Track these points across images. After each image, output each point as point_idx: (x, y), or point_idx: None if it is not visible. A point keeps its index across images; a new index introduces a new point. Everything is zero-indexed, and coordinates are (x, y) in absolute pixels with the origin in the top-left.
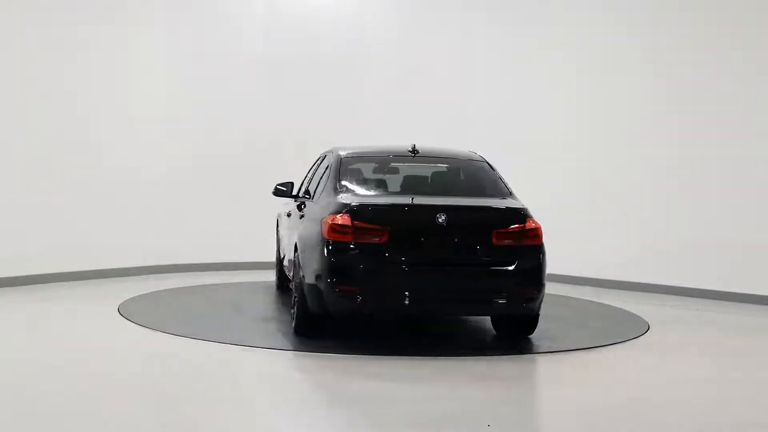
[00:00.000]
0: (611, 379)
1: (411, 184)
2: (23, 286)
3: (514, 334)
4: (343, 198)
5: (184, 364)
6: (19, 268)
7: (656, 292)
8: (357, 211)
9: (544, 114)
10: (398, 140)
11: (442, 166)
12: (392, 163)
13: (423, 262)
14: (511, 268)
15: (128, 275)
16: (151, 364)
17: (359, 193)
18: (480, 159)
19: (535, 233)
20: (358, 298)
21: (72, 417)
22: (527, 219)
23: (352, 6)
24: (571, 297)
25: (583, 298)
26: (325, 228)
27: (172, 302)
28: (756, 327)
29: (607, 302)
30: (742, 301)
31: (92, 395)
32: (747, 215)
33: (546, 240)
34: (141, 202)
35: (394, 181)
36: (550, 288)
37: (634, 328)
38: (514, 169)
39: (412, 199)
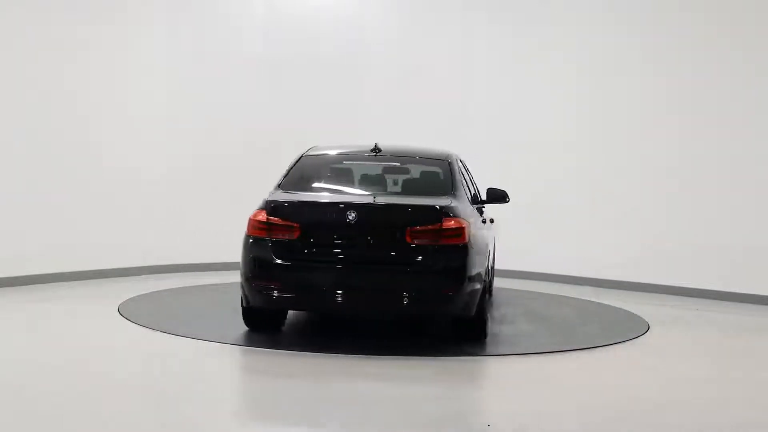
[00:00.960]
0: (611, 379)
1: (359, 183)
2: (23, 286)
3: (466, 339)
4: (272, 195)
5: (184, 364)
6: (19, 268)
7: (656, 292)
8: (273, 208)
9: (544, 114)
10: (397, 140)
11: (397, 165)
12: (352, 162)
13: (331, 260)
14: (424, 267)
15: (128, 275)
16: (151, 364)
17: (295, 191)
18: (443, 158)
19: (455, 232)
20: (273, 293)
21: (72, 417)
22: (445, 218)
23: (352, 6)
24: (571, 297)
25: (583, 298)
26: (248, 224)
27: (172, 302)
28: (756, 327)
29: (607, 302)
30: (742, 301)
31: (92, 395)
32: (747, 215)
33: (546, 240)
34: (141, 202)
35: (344, 180)
36: (550, 288)
37: (634, 328)
38: (514, 169)
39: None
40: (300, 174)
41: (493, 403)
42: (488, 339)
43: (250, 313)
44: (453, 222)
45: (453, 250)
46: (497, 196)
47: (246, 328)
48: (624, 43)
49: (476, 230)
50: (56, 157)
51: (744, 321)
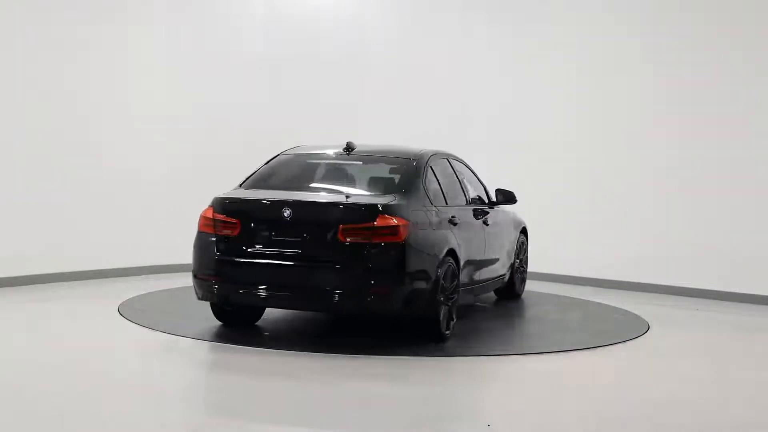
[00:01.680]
0: (611, 379)
1: (317, 181)
2: (23, 286)
3: (422, 339)
4: (225, 193)
5: (184, 365)
6: (19, 268)
7: (656, 292)
8: (219, 205)
9: (544, 114)
10: (397, 140)
11: (360, 164)
12: (320, 161)
13: (267, 256)
14: (354, 265)
15: (128, 275)
16: (151, 364)
17: (254, 188)
18: (411, 159)
19: (391, 231)
20: (214, 287)
21: (72, 417)
22: (380, 216)
23: (352, 6)
24: (571, 297)
25: (583, 298)
26: (198, 220)
27: (172, 302)
28: (756, 327)
29: (607, 302)
30: (742, 301)
31: (92, 395)
32: (747, 215)
33: (546, 240)
34: (141, 202)
35: (303, 178)
36: (550, 288)
37: (634, 328)
38: (514, 169)
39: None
40: (267, 172)
41: (493, 403)
42: (488, 339)
43: (216, 308)
44: (388, 220)
45: (387, 249)
46: (506, 198)
47: (246, 328)
48: (624, 43)
49: (424, 230)
50: (56, 157)
51: (744, 321)
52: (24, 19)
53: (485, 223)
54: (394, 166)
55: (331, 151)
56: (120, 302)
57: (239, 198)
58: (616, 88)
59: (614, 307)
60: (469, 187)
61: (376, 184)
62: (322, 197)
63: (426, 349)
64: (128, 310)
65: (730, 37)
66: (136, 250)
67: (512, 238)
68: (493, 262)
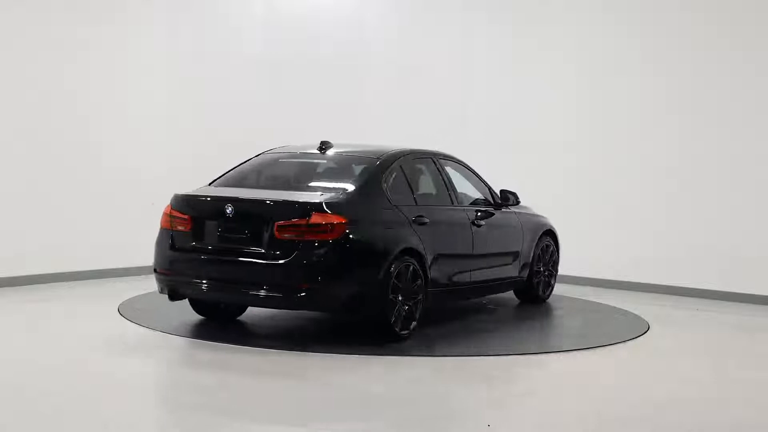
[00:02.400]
0: (611, 379)
1: (276, 179)
2: (23, 286)
3: (379, 340)
4: (190, 190)
5: (184, 365)
6: (19, 268)
7: (656, 292)
8: (175, 201)
9: (544, 114)
10: (396, 141)
11: (326, 163)
12: (290, 160)
13: (211, 251)
14: (285, 261)
15: (128, 275)
16: (151, 364)
17: (220, 186)
18: (376, 158)
19: (324, 228)
20: (167, 281)
21: (72, 417)
22: (315, 214)
23: (352, 6)
24: (571, 297)
25: (583, 298)
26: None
27: (172, 303)
28: (756, 327)
29: (607, 302)
30: (742, 301)
31: (92, 395)
32: (747, 215)
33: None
34: (141, 202)
35: (267, 177)
36: None
37: (634, 328)
38: (514, 170)
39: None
40: (238, 171)
41: (493, 403)
42: (488, 339)
43: (192, 302)
44: (323, 218)
45: (319, 246)
46: (504, 198)
47: (247, 327)
48: (624, 43)
49: (370, 228)
50: (56, 157)
51: (744, 321)
52: (24, 19)
53: (476, 224)
54: (357, 166)
55: (306, 151)
56: (120, 302)
57: (191, 195)
58: (616, 88)
59: (614, 307)
60: (469, 186)
61: (331, 182)
62: (264, 195)
63: (425, 350)
64: (128, 310)
65: (730, 37)
66: (136, 250)
67: (528, 240)
68: (493, 263)
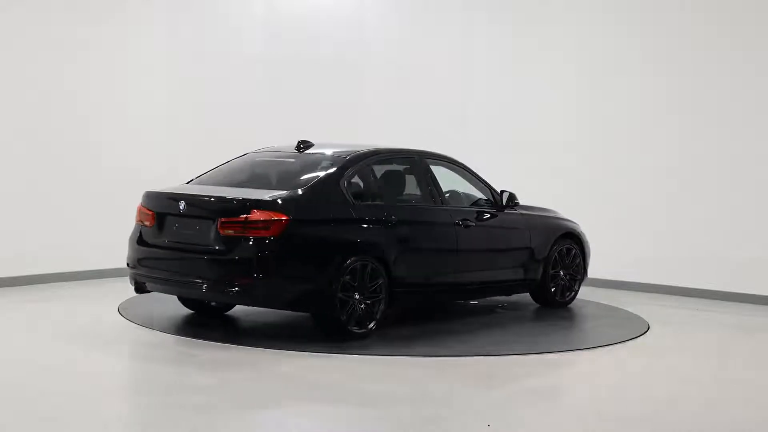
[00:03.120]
0: (611, 379)
1: (245, 178)
2: (23, 286)
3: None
4: (164, 187)
5: (184, 365)
6: (19, 268)
7: (656, 292)
8: (143, 198)
9: (544, 114)
10: (396, 141)
11: (294, 162)
12: (265, 159)
13: (167, 245)
14: (225, 256)
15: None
16: (151, 365)
17: (197, 184)
18: (343, 157)
19: (263, 225)
20: (136, 274)
21: (72, 417)
22: (254, 210)
23: (352, 6)
24: None
25: (584, 298)
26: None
27: (172, 302)
28: (756, 327)
29: (607, 302)
30: (742, 301)
31: (92, 395)
32: (747, 215)
33: None
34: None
35: (236, 175)
36: None
37: (634, 328)
38: (514, 170)
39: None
40: (217, 170)
41: (493, 402)
42: (489, 339)
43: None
44: (262, 215)
45: (257, 242)
46: (504, 199)
47: (248, 327)
48: (624, 43)
49: (318, 226)
50: (56, 157)
51: (744, 321)
52: (24, 19)
53: (462, 224)
54: (321, 165)
55: (284, 150)
56: (120, 302)
57: (155, 192)
58: (616, 88)
59: (614, 307)
60: (468, 187)
61: (290, 181)
62: (213, 192)
63: (426, 350)
64: (128, 310)
65: (730, 37)
66: None
67: (537, 242)
68: (485, 266)
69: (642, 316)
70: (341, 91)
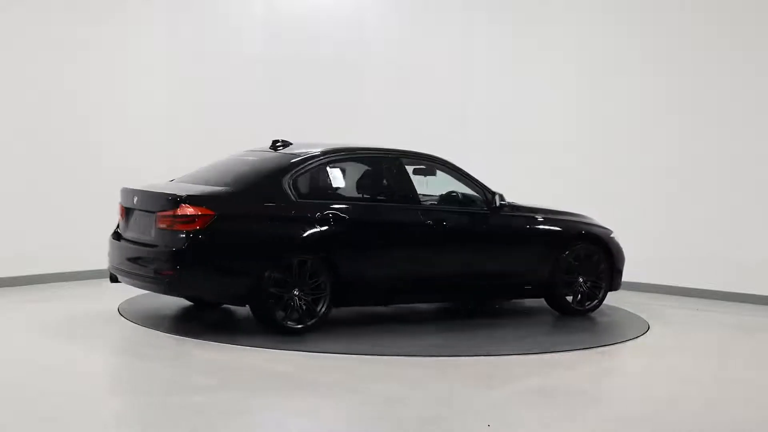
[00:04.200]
0: (611, 379)
1: (214, 176)
2: (23, 286)
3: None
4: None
5: (184, 365)
6: (19, 268)
7: (656, 292)
8: (121, 194)
9: (544, 114)
10: (396, 141)
11: (253, 161)
12: (239, 158)
13: (126, 238)
14: (157, 248)
15: None
16: (151, 364)
17: (178, 182)
18: (296, 155)
19: (189, 220)
20: (109, 266)
21: (72, 417)
22: (182, 205)
23: (352, 6)
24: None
25: None
26: None
27: (172, 302)
28: (756, 327)
29: (607, 302)
30: (742, 301)
31: (92, 395)
32: (747, 215)
33: None
34: None
35: (207, 174)
36: None
37: (634, 328)
38: (514, 170)
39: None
40: (200, 169)
41: (493, 402)
42: (488, 339)
43: None
44: (189, 210)
45: (184, 236)
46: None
47: (248, 328)
48: (624, 43)
49: (250, 223)
50: (56, 157)
51: (744, 321)
52: (24, 19)
53: (434, 225)
54: (275, 163)
55: (259, 150)
56: (120, 302)
57: (125, 187)
58: (616, 88)
59: (614, 307)
60: (461, 187)
61: (237, 178)
62: (158, 188)
63: (426, 350)
64: (128, 310)
65: (730, 37)
66: None
67: (539, 246)
68: (465, 268)
69: (642, 316)
70: (341, 91)
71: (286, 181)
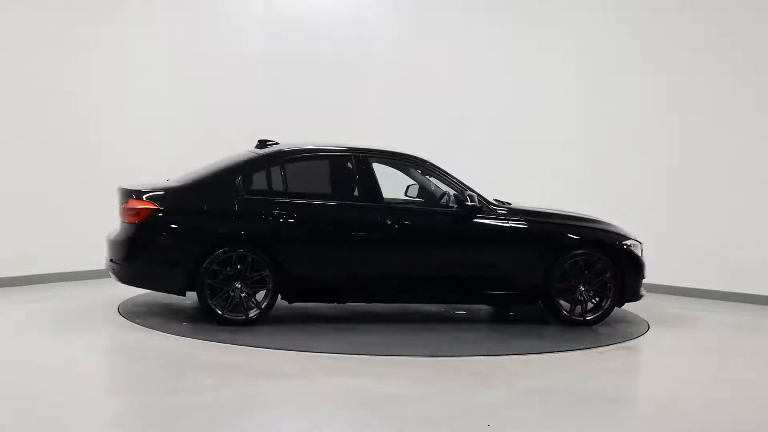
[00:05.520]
0: (611, 379)
1: (194, 174)
2: (23, 286)
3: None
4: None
5: (184, 365)
6: (19, 268)
7: (656, 292)
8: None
9: (544, 114)
10: (395, 141)
11: (226, 160)
12: (224, 158)
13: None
14: (116, 239)
15: None
16: (151, 365)
17: (169, 182)
18: (256, 155)
19: (134, 212)
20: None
21: (72, 417)
22: (130, 200)
23: (352, 6)
24: None
25: None
26: None
27: (172, 302)
28: (756, 327)
29: None
30: (742, 301)
31: (92, 395)
32: (747, 215)
33: None
34: None
35: (196, 173)
36: None
37: (634, 328)
38: (514, 170)
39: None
40: (195, 170)
41: (493, 403)
42: (488, 339)
43: None
44: (134, 203)
45: (129, 228)
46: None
47: (248, 328)
48: (624, 43)
49: (188, 216)
50: (56, 157)
51: (744, 321)
52: (24, 19)
53: (395, 224)
54: (235, 160)
55: (250, 150)
56: (120, 302)
57: (119, 187)
58: (616, 88)
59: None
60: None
61: (198, 176)
62: (136, 185)
63: (426, 349)
64: (128, 310)
65: (730, 37)
66: None
67: (524, 251)
68: (429, 269)
69: (642, 316)
70: (341, 91)
71: (238, 179)
